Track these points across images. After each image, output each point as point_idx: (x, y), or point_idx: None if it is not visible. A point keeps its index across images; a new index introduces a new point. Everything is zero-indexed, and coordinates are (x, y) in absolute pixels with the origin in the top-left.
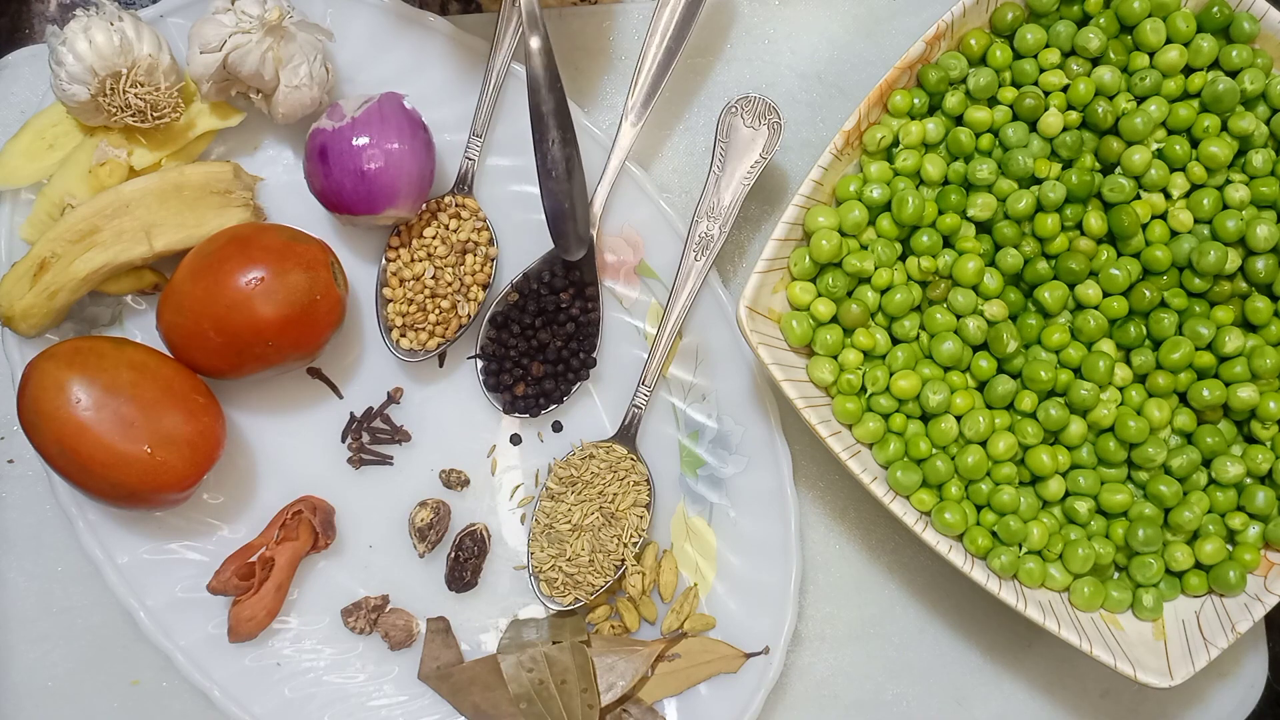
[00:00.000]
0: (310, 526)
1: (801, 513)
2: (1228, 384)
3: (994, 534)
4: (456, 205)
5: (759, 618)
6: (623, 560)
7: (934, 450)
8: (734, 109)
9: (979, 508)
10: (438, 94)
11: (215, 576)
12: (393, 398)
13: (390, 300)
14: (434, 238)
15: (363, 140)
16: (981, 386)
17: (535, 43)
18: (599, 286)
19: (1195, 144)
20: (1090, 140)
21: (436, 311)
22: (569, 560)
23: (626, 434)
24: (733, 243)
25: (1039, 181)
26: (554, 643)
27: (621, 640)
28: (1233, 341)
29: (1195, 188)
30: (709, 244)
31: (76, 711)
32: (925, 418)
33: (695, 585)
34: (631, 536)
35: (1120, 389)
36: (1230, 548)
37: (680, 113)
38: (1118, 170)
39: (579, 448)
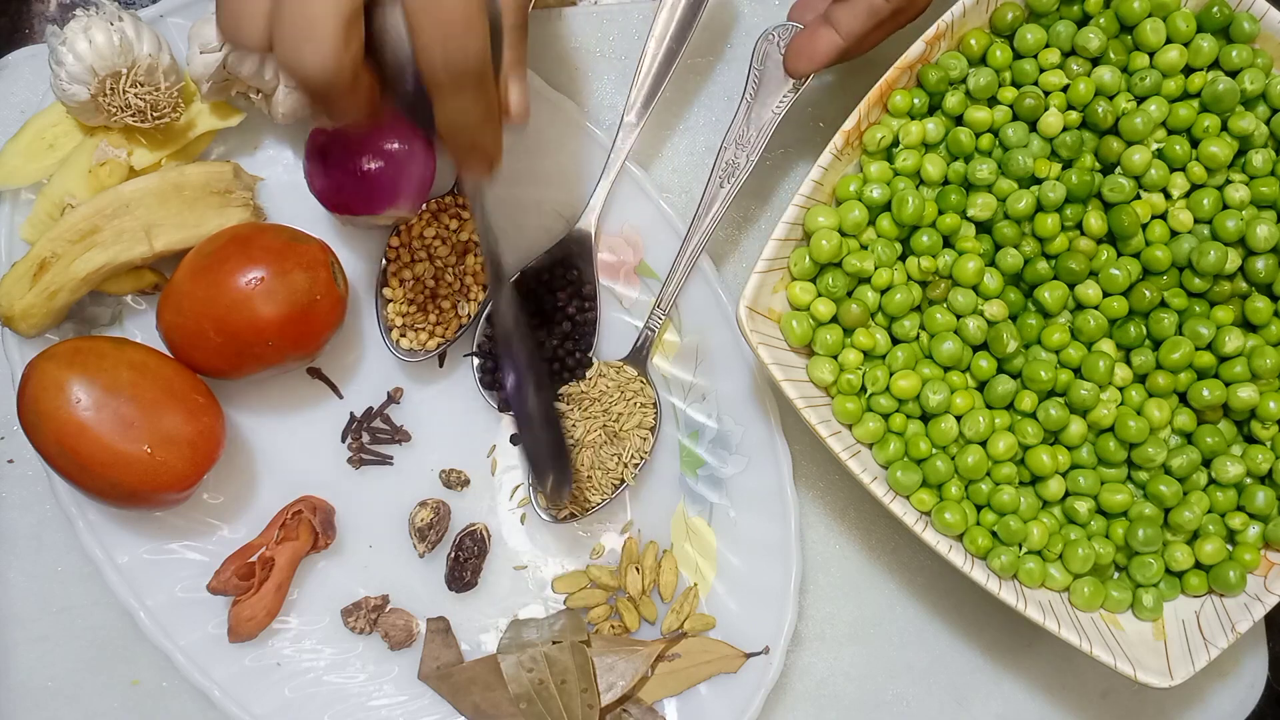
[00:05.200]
0: (310, 526)
1: (801, 513)
2: (1228, 384)
3: (994, 534)
4: (457, 205)
5: (759, 618)
6: (621, 480)
7: (934, 450)
8: (770, 37)
9: (979, 508)
10: None
11: (215, 576)
12: (393, 398)
13: (390, 300)
14: (434, 238)
15: (363, 140)
16: (981, 386)
17: (502, 300)
18: (596, 286)
19: (1195, 144)
20: (1090, 140)
21: (436, 311)
22: None
23: (638, 356)
24: (732, 243)
25: (1039, 181)
26: (554, 643)
27: (621, 640)
28: (1233, 341)
29: (1195, 188)
30: (735, 171)
31: (76, 711)
32: (925, 418)
33: (695, 585)
34: (633, 458)
35: (1120, 389)
36: (1230, 548)
37: (680, 113)
38: (1118, 170)
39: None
